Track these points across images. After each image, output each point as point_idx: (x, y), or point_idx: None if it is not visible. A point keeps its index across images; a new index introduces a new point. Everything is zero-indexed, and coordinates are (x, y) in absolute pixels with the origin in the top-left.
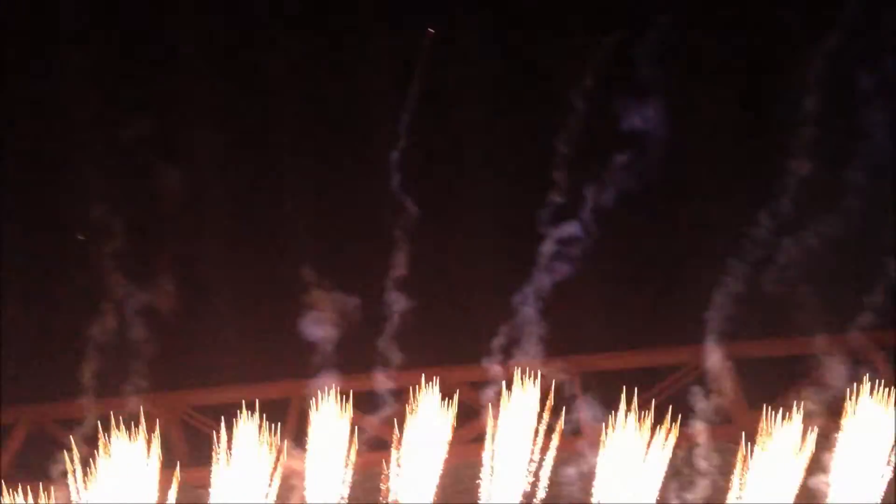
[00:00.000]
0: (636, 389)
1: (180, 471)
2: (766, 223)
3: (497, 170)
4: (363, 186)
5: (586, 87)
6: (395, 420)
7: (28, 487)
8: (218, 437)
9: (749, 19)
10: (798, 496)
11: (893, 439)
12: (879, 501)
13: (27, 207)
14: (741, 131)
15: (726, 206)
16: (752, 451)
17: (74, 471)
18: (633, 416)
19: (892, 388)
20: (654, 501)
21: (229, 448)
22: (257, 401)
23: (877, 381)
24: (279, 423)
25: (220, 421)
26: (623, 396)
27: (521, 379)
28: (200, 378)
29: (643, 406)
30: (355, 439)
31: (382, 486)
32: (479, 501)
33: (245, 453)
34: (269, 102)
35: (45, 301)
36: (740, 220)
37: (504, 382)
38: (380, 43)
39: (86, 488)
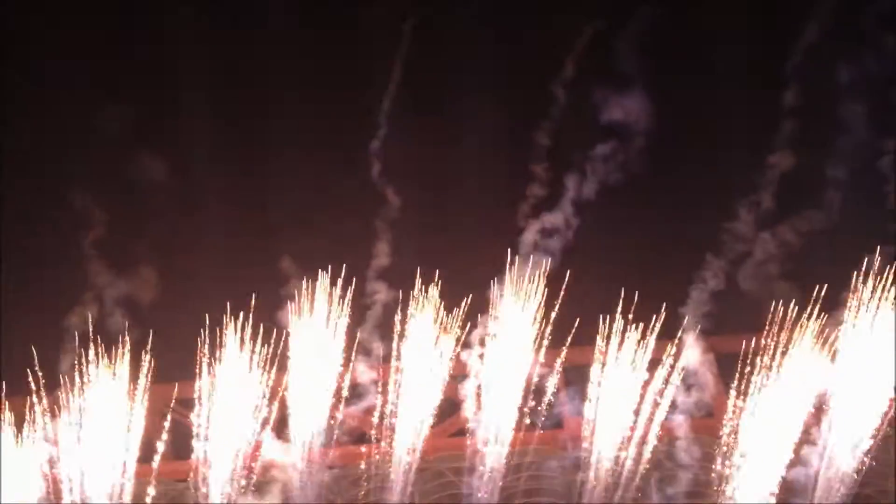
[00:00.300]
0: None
1: (161, 464)
2: (746, 219)
3: (478, 165)
4: (341, 181)
5: (566, 77)
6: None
7: None
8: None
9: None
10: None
11: None
12: None
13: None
14: (721, 128)
15: (707, 203)
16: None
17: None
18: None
19: None
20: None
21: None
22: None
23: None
24: None
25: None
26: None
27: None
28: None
29: None
30: None
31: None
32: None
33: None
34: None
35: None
36: (721, 216)
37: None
38: (360, 33)
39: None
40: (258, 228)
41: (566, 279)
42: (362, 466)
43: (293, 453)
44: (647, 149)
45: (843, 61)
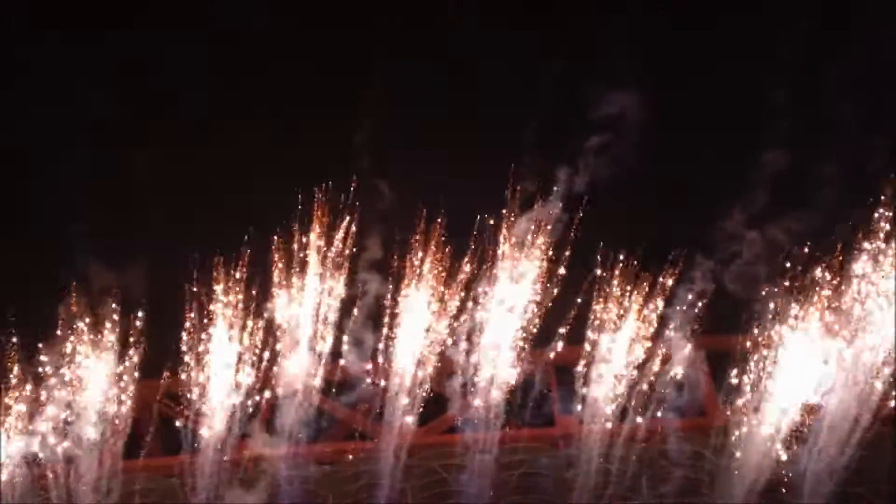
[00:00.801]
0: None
1: (152, 459)
2: (736, 219)
3: (463, 167)
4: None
5: (557, 73)
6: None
7: None
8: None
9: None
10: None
11: None
12: None
13: None
14: (709, 127)
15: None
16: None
17: None
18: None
19: None
20: None
21: None
22: None
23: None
24: None
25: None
26: None
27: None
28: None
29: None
30: None
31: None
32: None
33: None
34: None
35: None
36: (711, 215)
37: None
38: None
39: None
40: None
41: (556, 274)
42: (351, 461)
43: (280, 446)
44: (639, 144)
45: (839, 59)
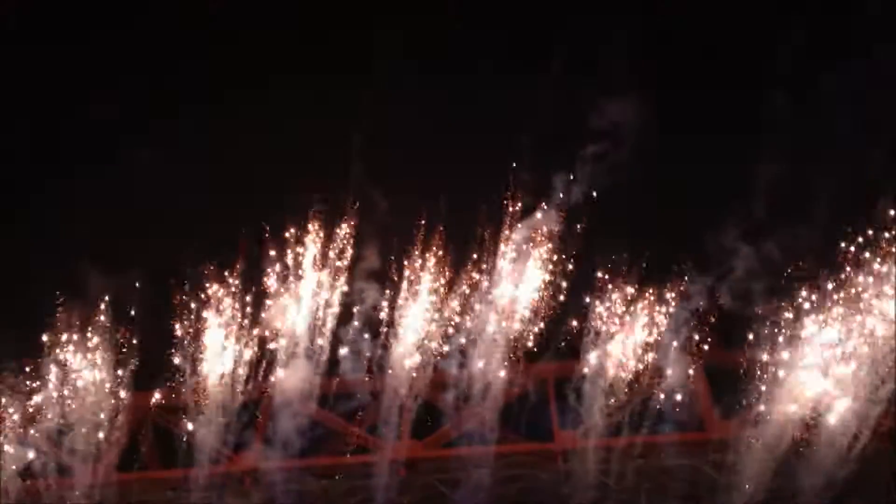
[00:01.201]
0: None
1: (152, 472)
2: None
3: (456, 171)
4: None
5: (552, 77)
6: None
7: None
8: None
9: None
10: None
11: None
12: None
13: None
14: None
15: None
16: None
17: None
18: None
19: None
20: None
21: None
22: None
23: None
24: None
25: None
26: None
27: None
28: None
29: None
30: None
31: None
32: None
33: None
34: None
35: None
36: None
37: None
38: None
39: None
40: None
41: (557, 284)
42: (348, 475)
43: (276, 459)
44: (644, 150)
45: (839, 67)
